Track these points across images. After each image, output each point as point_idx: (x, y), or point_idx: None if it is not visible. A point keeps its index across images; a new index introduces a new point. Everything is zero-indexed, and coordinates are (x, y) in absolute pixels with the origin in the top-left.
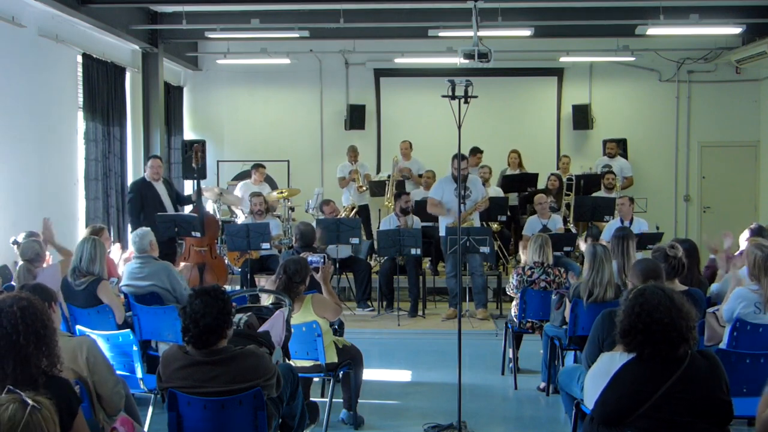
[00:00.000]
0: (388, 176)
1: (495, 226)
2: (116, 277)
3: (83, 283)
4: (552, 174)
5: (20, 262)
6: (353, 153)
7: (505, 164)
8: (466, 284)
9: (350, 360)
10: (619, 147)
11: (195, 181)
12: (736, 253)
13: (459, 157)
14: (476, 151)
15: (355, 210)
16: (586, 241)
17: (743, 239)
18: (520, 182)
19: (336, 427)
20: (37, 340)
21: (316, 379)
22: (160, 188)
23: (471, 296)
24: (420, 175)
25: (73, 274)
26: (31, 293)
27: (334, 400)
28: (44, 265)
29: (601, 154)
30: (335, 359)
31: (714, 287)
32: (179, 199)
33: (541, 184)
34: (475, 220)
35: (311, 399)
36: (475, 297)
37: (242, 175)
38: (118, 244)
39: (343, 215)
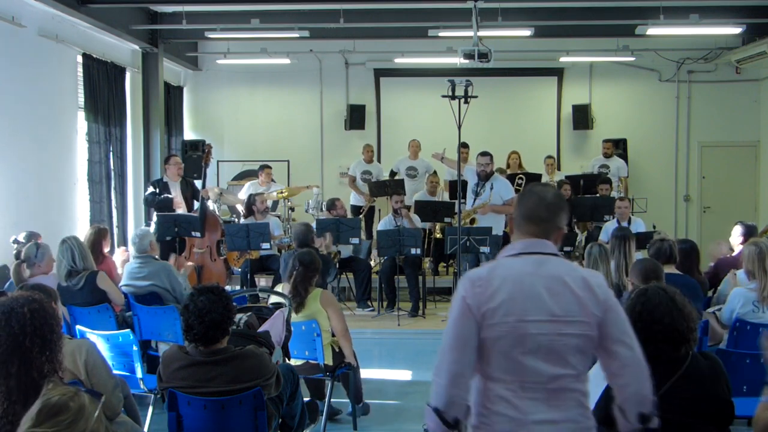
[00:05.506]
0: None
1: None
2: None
3: (81, 279)
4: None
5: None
6: (370, 153)
7: (504, 164)
8: None
9: (347, 362)
10: (617, 147)
11: (202, 180)
12: (734, 254)
13: (459, 156)
14: (463, 146)
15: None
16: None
17: (735, 240)
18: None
19: (335, 427)
20: (42, 344)
21: None
22: (177, 189)
23: None
24: (396, 170)
25: (69, 277)
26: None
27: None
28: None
29: (601, 154)
30: (330, 361)
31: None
32: (194, 196)
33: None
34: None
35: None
36: None
37: (242, 175)
38: (123, 248)
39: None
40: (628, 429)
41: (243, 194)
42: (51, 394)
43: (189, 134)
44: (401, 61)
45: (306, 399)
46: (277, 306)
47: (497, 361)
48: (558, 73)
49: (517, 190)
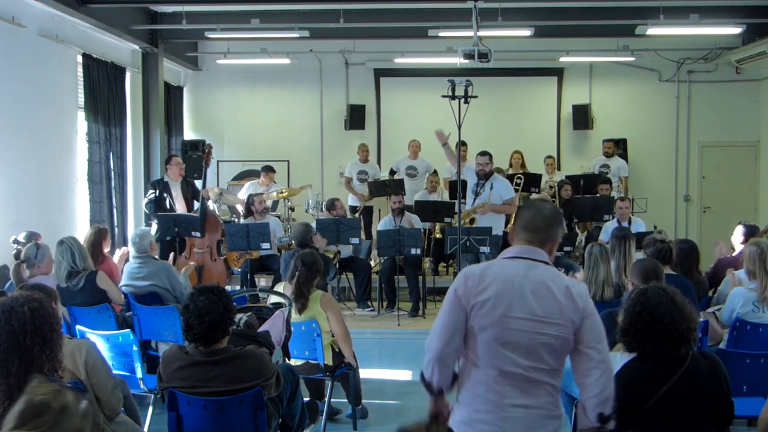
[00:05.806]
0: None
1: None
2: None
3: (80, 279)
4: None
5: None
6: (365, 152)
7: (506, 164)
8: None
9: (347, 362)
10: (617, 147)
11: (202, 180)
12: (734, 254)
13: (459, 154)
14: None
15: (359, 211)
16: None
17: (736, 240)
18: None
19: (335, 427)
20: (42, 342)
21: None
22: (177, 189)
23: None
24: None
25: (69, 278)
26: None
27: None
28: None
29: (601, 154)
30: (330, 362)
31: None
32: (195, 196)
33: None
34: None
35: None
36: None
37: (242, 175)
38: (124, 248)
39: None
40: (586, 426)
41: (243, 194)
42: (35, 392)
43: (189, 134)
44: (401, 61)
45: (306, 399)
46: (277, 306)
47: (481, 350)
48: (558, 73)
49: (515, 190)
